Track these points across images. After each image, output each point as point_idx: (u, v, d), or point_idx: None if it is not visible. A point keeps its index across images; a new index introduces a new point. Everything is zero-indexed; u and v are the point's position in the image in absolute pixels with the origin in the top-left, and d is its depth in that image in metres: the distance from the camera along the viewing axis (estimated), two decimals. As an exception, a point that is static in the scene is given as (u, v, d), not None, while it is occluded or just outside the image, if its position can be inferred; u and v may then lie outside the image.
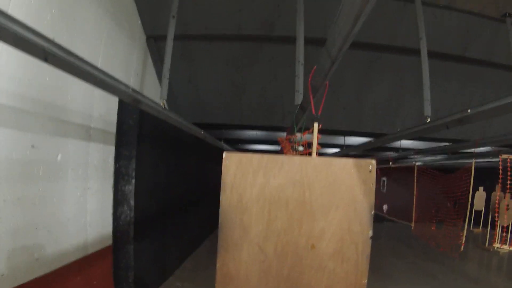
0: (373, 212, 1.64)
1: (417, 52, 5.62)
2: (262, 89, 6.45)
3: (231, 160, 1.56)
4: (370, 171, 1.62)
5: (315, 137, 2.05)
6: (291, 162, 1.58)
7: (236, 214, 1.55)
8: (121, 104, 4.17)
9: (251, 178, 1.56)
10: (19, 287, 2.70)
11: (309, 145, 3.33)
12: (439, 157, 11.93)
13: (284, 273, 1.57)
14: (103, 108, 3.91)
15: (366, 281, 1.61)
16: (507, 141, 7.09)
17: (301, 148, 4.21)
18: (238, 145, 12.51)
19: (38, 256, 2.95)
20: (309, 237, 1.57)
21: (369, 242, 1.63)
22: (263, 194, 1.56)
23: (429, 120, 4.18)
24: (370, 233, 1.63)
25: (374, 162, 1.64)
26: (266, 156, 1.57)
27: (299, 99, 3.68)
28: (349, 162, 1.62)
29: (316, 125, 2.04)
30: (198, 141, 7.85)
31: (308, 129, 3.79)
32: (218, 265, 1.57)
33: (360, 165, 1.62)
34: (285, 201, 1.56)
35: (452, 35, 5.64)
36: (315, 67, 2.40)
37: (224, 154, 1.56)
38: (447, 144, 9.24)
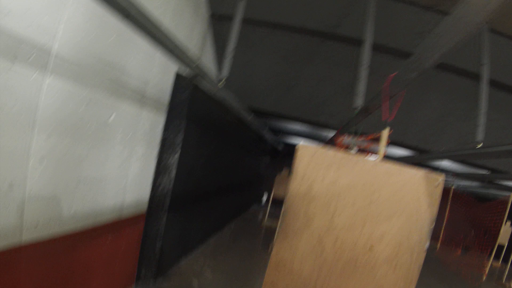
0: (432, 226, 1.63)
1: (473, 76, 5.50)
2: (315, 85, 6.43)
3: (304, 151, 1.58)
4: (437, 185, 1.62)
5: (383, 142, 2.05)
6: (364, 164, 1.60)
7: (302, 204, 1.58)
8: (177, 77, 4.23)
9: (323, 171, 1.58)
10: (52, 237, 2.79)
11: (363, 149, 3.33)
12: (474, 183, 11.67)
13: (337, 269, 1.59)
14: (160, 78, 3.98)
15: (414, 291, 1.62)
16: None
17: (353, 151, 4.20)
18: (279, 136, 12.48)
19: (75, 210, 3.03)
20: (369, 238, 1.58)
21: (424, 253, 1.63)
22: (332, 188, 1.58)
23: (481, 145, 4.10)
24: (427, 245, 1.63)
25: (441, 177, 1.64)
26: (340, 154, 1.59)
27: (358, 101, 3.66)
28: (418, 173, 1.62)
29: (386, 130, 2.04)
30: (240, 127, 7.90)
31: (362, 133, 3.78)
32: (273, 251, 1.60)
33: (428, 178, 1.62)
34: (353, 199, 1.58)
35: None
36: (394, 73, 2.38)
37: (298, 145, 1.59)
38: (485, 172, 9.04)
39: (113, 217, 3.70)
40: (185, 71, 3.28)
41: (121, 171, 3.66)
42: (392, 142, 2.11)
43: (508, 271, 9.77)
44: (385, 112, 2.21)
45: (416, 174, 1.61)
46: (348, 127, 4.34)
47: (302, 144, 1.58)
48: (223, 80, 3.91)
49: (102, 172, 3.36)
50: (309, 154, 1.57)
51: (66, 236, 2.99)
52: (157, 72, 3.93)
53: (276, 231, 1.58)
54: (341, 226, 1.58)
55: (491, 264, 10.22)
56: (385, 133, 2.04)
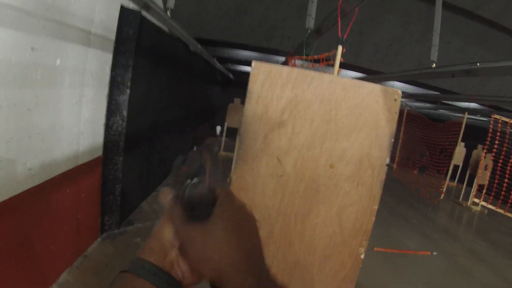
0: (392, 140, 1.62)
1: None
2: (265, 10, 6.24)
3: (259, 70, 1.49)
4: (396, 99, 1.60)
5: (337, 60, 1.99)
6: (321, 79, 1.53)
7: (259, 126, 1.51)
8: (123, 11, 3.97)
9: (279, 91, 1.50)
10: (11, 199, 2.66)
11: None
12: (427, 105, 12.06)
13: (300, 190, 1.57)
14: (105, 13, 3.72)
15: (377, 207, 1.63)
16: (497, 103, 7.19)
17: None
18: (228, 65, 12.31)
19: (30, 166, 2.89)
20: (330, 156, 1.56)
21: (385, 168, 1.63)
22: (289, 107, 1.51)
23: (434, 65, 4.14)
24: (387, 160, 1.63)
25: (400, 92, 1.61)
26: (296, 70, 1.51)
27: (310, 23, 3.58)
28: (377, 87, 1.58)
29: (340, 48, 1.98)
30: (190, 59, 7.67)
31: (314, 55, 3.72)
32: (234, 177, 1.55)
33: (387, 92, 1.59)
34: (311, 117, 1.53)
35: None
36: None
37: (253, 63, 1.49)
38: (438, 94, 9.30)
39: (69, 166, 3.57)
40: (139, 3, 3.08)
41: (72, 116, 3.49)
42: (344, 63, 2.07)
43: (464, 190, 10.36)
44: (339, 29, 2.13)
45: (374, 89, 1.57)
46: (300, 50, 4.28)
47: (257, 62, 1.49)
48: (169, 10, 3.69)
49: (53, 120, 3.19)
50: (264, 72, 1.48)
51: (26, 195, 2.86)
52: (102, 8, 3.68)
53: (234, 157, 1.52)
54: (300, 145, 1.53)
55: (448, 184, 10.83)
56: (339, 51, 1.99)
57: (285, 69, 1.51)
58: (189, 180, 0.61)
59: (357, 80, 1.59)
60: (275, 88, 1.50)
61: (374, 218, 1.63)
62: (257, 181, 1.55)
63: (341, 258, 1.63)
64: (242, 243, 0.61)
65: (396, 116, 1.61)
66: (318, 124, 1.54)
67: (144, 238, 4.63)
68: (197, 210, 0.61)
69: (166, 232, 0.65)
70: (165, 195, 0.69)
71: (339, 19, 2.29)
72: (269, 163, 1.54)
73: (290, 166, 1.55)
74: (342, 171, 1.58)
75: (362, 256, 1.63)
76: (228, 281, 0.58)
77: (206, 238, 0.60)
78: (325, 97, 1.53)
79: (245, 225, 0.66)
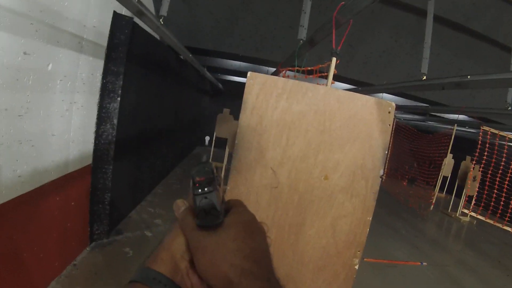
0: (386, 152, 1.63)
1: (419, 12, 5.52)
2: (257, 19, 6.27)
3: (255, 81, 1.50)
4: (389, 112, 1.61)
5: (331, 71, 2.00)
6: (316, 90, 1.54)
7: (253, 136, 1.51)
8: (115, 17, 3.97)
9: (273, 101, 1.51)
10: (1, 206, 2.63)
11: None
12: (416, 116, 12.18)
13: (294, 201, 1.57)
14: (97, 19, 3.71)
15: (370, 218, 1.63)
16: (486, 114, 7.28)
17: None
18: (218, 75, 12.33)
19: (20, 172, 2.85)
20: (324, 168, 1.56)
21: (379, 180, 1.64)
22: (284, 118, 1.51)
23: (424, 77, 4.19)
24: (381, 172, 1.63)
25: (394, 104, 1.63)
26: (291, 81, 1.52)
27: (302, 33, 3.61)
28: (371, 99, 1.59)
29: (334, 60, 1.99)
30: (180, 68, 7.68)
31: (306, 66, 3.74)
32: (229, 187, 1.54)
33: (381, 104, 1.60)
34: (305, 128, 1.53)
35: (458, 3, 5.59)
36: (343, 2, 2.33)
37: (249, 74, 1.50)
38: (427, 105, 9.40)
39: (59, 174, 3.53)
40: (132, 9, 3.08)
41: (63, 123, 3.47)
42: (334, 75, 2.09)
43: (453, 201, 10.44)
44: (334, 41, 2.15)
45: (368, 101, 1.59)
46: (290, 60, 4.30)
47: (252, 72, 1.49)
48: (161, 18, 3.69)
49: (44, 127, 3.16)
50: (259, 83, 1.49)
51: (15, 202, 2.82)
52: (95, 14, 3.67)
53: (224, 167, 1.51)
54: (294, 156, 1.53)
55: (437, 195, 10.91)
56: (333, 62, 2.00)
57: (280, 79, 1.52)
58: (200, 189, 0.61)
59: (351, 92, 1.60)
60: (270, 98, 1.51)
61: (368, 229, 1.64)
62: (251, 192, 1.54)
63: (335, 269, 1.63)
64: (252, 252, 0.62)
65: (389, 128, 1.62)
66: (312, 135, 1.54)
67: (133, 248, 4.60)
68: (208, 218, 0.62)
69: (178, 244, 0.65)
70: (179, 207, 0.70)
71: (334, 30, 2.31)
72: (263, 173, 1.54)
73: (284, 177, 1.55)
74: (336, 182, 1.58)
75: (357, 267, 1.63)
76: None
77: (217, 247, 0.60)
78: (319, 108, 1.54)
79: (255, 235, 0.66)
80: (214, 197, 0.61)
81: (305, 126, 1.53)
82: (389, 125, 1.62)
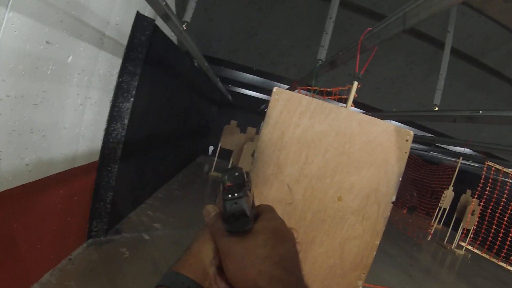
0: (400, 179, 1.65)
1: (434, 41, 5.57)
2: (276, 35, 6.33)
3: (280, 96, 1.52)
4: (407, 140, 1.63)
5: (351, 95, 2.02)
6: (339, 112, 1.56)
7: (273, 151, 1.53)
8: (138, 17, 4.01)
9: (296, 118, 1.53)
10: (5, 192, 2.64)
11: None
12: (421, 146, 12.18)
13: (306, 219, 1.58)
14: (120, 17, 3.75)
15: (378, 242, 1.64)
16: (491, 150, 7.30)
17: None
18: (229, 86, 12.35)
19: (28, 161, 2.87)
20: (339, 189, 1.57)
21: (391, 206, 1.65)
22: (305, 136, 1.53)
23: (436, 108, 4.22)
24: (393, 198, 1.65)
25: (412, 133, 1.65)
26: (315, 100, 1.54)
27: (322, 54, 3.64)
28: (390, 126, 1.62)
29: (355, 84, 2.02)
30: (194, 75, 7.72)
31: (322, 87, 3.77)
32: (245, 199, 1.55)
33: (400, 132, 1.62)
34: (325, 148, 1.55)
35: (474, 37, 5.65)
36: (370, 28, 2.37)
37: (275, 89, 1.52)
38: (433, 136, 9.42)
39: (66, 167, 3.54)
40: (160, 11, 3.13)
41: (75, 117, 3.49)
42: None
43: (449, 233, 10.44)
44: (357, 65, 2.18)
45: (388, 127, 1.61)
46: (306, 79, 4.33)
47: (278, 88, 1.51)
48: (185, 24, 3.72)
49: (57, 118, 3.17)
50: (284, 99, 1.51)
51: (20, 190, 2.83)
52: (119, 12, 3.70)
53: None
54: (311, 175, 1.55)
55: (435, 226, 10.92)
56: (354, 86, 2.03)
57: (305, 98, 1.54)
58: (230, 195, 0.61)
59: (372, 117, 1.63)
60: (293, 115, 1.53)
61: (374, 253, 1.65)
62: (265, 205, 1.55)
63: (339, 290, 1.63)
64: (282, 259, 0.61)
65: (406, 156, 1.64)
66: (331, 156, 1.56)
67: (129, 249, 4.58)
68: (238, 224, 0.62)
69: (206, 250, 0.65)
70: (209, 212, 0.70)
71: (358, 55, 2.34)
72: (279, 189, 1.55)
73: (300, 194, 1.56)
74: (349, 204, 1.59)
75: (361, 290, 1.64)
76: None
77: (246, 253, 0.60)
78: (340, 130, 1.56)
79: (284, 242, 0.66)
80: (244, 202, 0.61)
81: (325, 146, 1.55)
82: (406, 153, 1.64)
